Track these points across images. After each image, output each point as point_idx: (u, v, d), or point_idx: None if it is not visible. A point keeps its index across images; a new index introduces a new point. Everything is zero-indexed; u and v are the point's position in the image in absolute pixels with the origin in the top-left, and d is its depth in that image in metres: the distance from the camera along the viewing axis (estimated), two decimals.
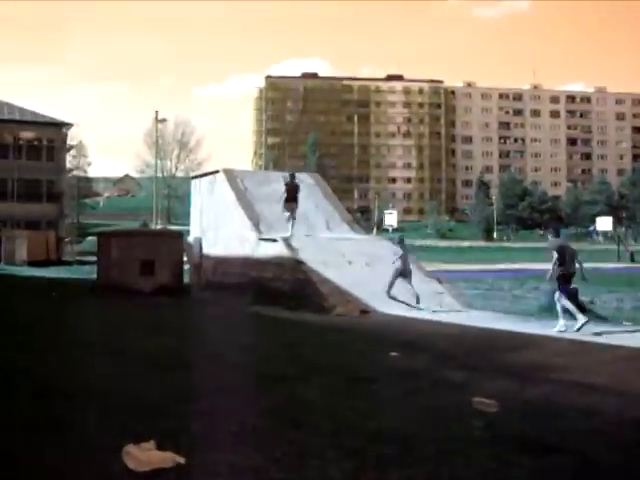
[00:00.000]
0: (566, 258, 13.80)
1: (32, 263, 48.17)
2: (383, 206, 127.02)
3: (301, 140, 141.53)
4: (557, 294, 14.12)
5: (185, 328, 14.49)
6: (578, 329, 13.60)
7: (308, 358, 10.54)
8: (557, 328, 13.89)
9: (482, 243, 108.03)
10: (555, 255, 13.87)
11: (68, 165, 75.59)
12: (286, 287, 20.18)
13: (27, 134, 63.17)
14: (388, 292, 18.62)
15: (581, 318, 13.82)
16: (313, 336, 13.73)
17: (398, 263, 18.72)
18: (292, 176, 22.90)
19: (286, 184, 22.40)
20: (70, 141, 69.99)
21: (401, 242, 19.37)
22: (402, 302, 18.07)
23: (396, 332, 14.46)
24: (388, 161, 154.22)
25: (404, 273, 18.73)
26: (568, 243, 15.05)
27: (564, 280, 13.90)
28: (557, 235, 14.80)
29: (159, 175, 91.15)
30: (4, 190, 61.96)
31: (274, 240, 21.52)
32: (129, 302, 18.76)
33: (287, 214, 22.17)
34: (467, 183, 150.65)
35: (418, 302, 18.41)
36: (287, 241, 20.95)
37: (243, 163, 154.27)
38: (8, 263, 49.91)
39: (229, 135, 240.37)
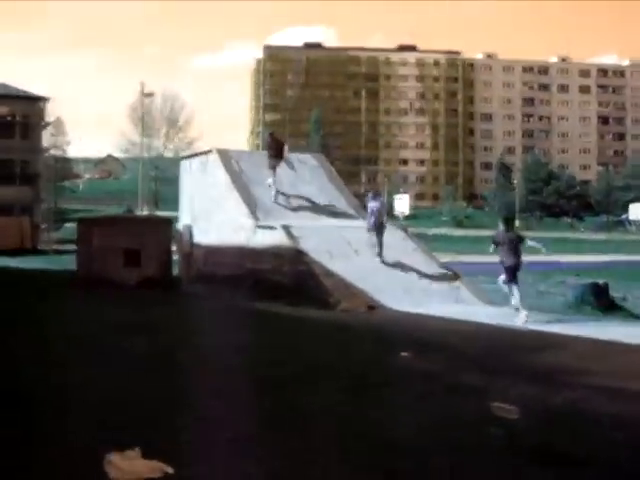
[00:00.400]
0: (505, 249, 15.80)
1: (3, 252, 47.90)
2: (393, 191, 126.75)
3: (303, 117, 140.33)
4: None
5: (173, 326, 14.50)
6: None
7: (310, 359, 10.57)
8: (520, 321, 15.46)
9: None
10: (492, 246, 16.33)
11: (44, 144, 75.22)
12: (286, 280, 20.13)
13: None
14: (380, 254, 20.09)
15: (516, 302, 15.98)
16: (316, 335, 13.73)
17: (373, 218, 20.42)
18: (271, 134, 25.33)
19: (268, 142, 24.78)
20: (47, 117, 69.67)
21: (375, 197, 21.36)
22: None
23: (407, 330, 14.48)
24: (399, 141, 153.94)
25: (380, 227, 20.42)
26: (516, 234, 16.85)
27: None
28: (507, 225, 16.89)
29: (145, 155, 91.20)
30: None
31: (272, 227, 21.45)
32: (112, 296, 18.74)
33: (271, 171, 23.81)
34: (486, 166, 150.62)
35: (380, 255, 20.04)
36: (287, 229, 20.87)
37: (239, 143, 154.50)
38: None
39: (223, 112, 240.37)
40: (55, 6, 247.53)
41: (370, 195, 21.85)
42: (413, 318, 16.37)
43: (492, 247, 16.29)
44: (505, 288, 16.07)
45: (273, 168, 23.79)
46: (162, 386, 8.43)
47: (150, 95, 59.94)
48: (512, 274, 15.84)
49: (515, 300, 15.86)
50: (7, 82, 65.64)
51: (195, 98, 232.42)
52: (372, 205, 20.83)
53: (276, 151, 24.08)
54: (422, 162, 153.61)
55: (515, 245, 15.77)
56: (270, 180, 23.74)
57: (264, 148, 34.24)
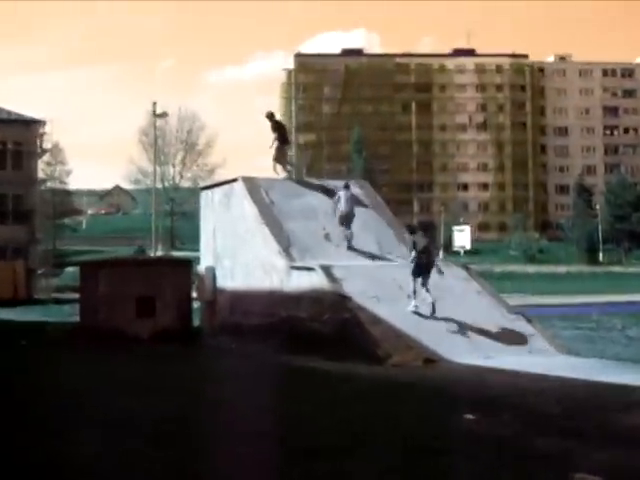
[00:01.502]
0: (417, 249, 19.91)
1: None
2: (452, 221, 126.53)
3: (342, 137, 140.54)
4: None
5: (195, 388, 14.52)
6: (412, 310, 19.66)
7: (356, 424, 10.52)
8: (410, 308, 19.53)
9: (584, 268, 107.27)
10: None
11: (41, 175, 75.88)
12: (326, 329, 20.07)
13: None
14: (349, 244, 23.13)
15: (412, 303, 19.72)
16: (362, 394, 13.65)
17: (342, 208, 23.24)
18: (271, 115, 26.08)
19: (273, 125, 25.79)
20: (44, 144, 70.12)
21: (347, 187, 23.91)
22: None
23: (472, 387, 14.48)
24: (457, 162, 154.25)
25: (348, 218, 23.25)
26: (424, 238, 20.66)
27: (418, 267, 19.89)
28: (412, 232, 21.68)
29: (159, 186, 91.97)
30: None
31: (310, 269, 21.43)
32: (121, 353, 18.88)
33: (278, 164, 25.64)
34: (562, 189, 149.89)
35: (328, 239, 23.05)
36: (328, 270, 20.84)
37: (267, 169, 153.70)
38: None
39: (249, 133, 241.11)
40: (55, 18, 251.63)
41: (341, 186, 24.42)
42: (478, 372, 16.29)
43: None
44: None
45: (283, 158, 25.69)
46: (179, 456, 8.40)
47: (164, 115, 60.39)
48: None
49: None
50: None
51: (216, 118, 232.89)
52: (341, 194, 23.68)
53: (283, 137, 25.57)
54: (485, 186, 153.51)
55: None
56: (281, 174, 25.57)
57: (301, 175, 34.99)
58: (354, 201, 24.02)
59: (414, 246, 20.17)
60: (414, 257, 20.03)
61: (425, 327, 19.07)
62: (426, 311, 19.70)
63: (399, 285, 20.77)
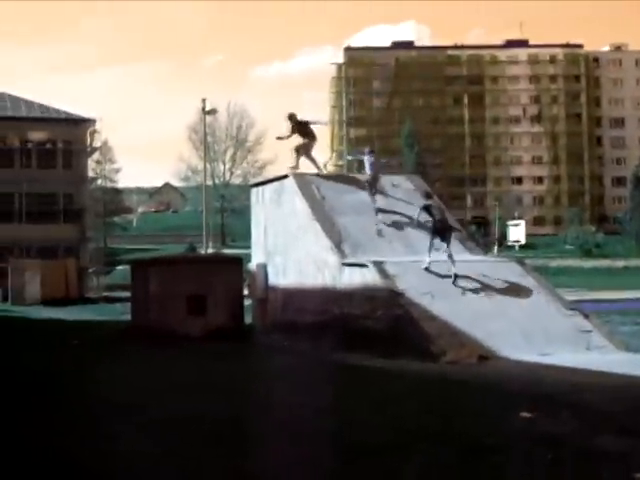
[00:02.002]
0: (433, 213, 21.70)
1: (47, 302, 48.48)
2: (506, 216, 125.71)
3: (393, 131, 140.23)
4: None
5: (248, 387, 14.61)
6: (425, 267, 20.96)
7: (410, 422, 10.53)
8: (423, 265, 20.94)
9: None
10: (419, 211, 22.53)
11: (90, 173, 76.22)
12: (380, 327, 20.11)
13: (37, 134, 63.66)
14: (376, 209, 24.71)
15: (426, 259, 21.09)
16: (416, 392, 13.68)
17: (367, 171, 25.26)
18: (292, 116, 26.36)
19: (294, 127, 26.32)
20: (93, 142, 70.49)
21: (371, 152, 25.97)
22: None
23: (528, 384, 14.38)
24: (511, 156, 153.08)
25: (374, 180, 24.96)
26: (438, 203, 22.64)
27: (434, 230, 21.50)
28: (428, 197, 22.99)
29: (209, 183, 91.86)
30: (9, 208, 62.50)
31: (363, 265, 21.42)
32: (173, 351, 18.93)
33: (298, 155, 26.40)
34: (619, 181, 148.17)
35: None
36: (380, 266, 20.85)
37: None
38: (16, 303, 50.04)
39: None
40: (103, 16, 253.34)
41: (366, 150, 26.52)
42: (534, 370, 16.20)
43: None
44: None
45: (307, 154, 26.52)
46: (236, 457, 8.45)
47: (213, 112, 60.39)
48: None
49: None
50: (47, 102, 66.16)
51: (265, 115, 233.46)
52: (365, 159, 25.67)
53: (307, 133, 26.29)
54: (540, 180, 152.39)
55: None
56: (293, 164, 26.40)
57: (352, 170, 35.37)
58: (378, 166, 26.06)
59: (428, 210, 22.07)
60: (419, 214, 22.66)
61: (480, 323, 19.01)
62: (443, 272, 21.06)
63: (452, 280, 20.83)
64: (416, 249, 22.85)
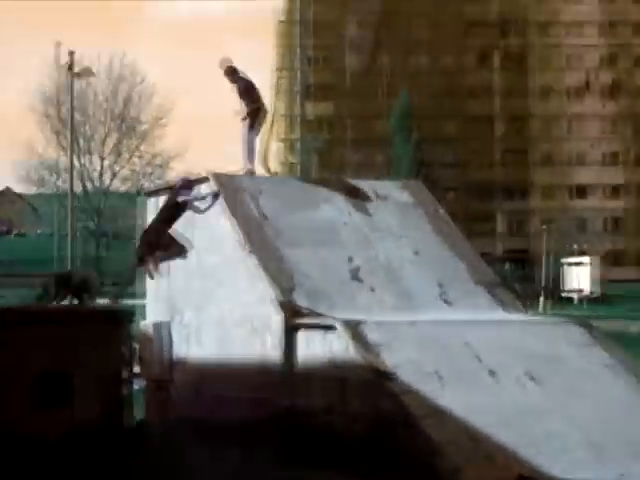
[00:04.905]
0: None
1: None
2: (561, 249, 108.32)
3: (378, 109, 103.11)
4: None
5: None
6: None
7: None
8: None
9: None
10: None
11: None
12: (356, 429, 16.05)
13: None
14: None
15: None
16: None
17: None
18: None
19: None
20: None
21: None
22: None
23: None
24: (569, 150, 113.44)
25: None
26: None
27: None
28: None
29: (77, 189, 70.75)
30: None
31: (328, 327, 17.10)
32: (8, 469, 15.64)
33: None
34: None
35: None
36: (356, 329, 16.51)
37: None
38: None
39: (222, 102, 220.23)
40: None
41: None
42: None
43: None
44: None
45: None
46: None
47: (86, 74, 40.17)
48: None
49: None
50: None
51: (170, 77, 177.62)
52: None
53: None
54: (615, 191, 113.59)
55: None
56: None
57: (310, 170, 28.23)
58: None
59: None
60: None
61: (519, 425, 15.03)
62: None
63: (475, 353, 16.59)
64: (416, 301, 18.90)
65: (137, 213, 24.16)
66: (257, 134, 19.90)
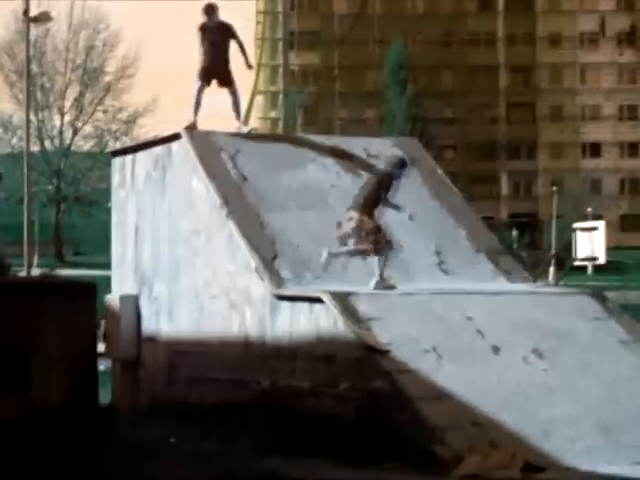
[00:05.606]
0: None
1: None
2: (571, 213, 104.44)
3: (370, 59, 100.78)
4: None
5: None
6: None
7: None
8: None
9: None
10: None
11: None
12: (345, 411, 15.42)
13: None
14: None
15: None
16: None
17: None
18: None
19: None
20: None
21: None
22: None
23: None
24: (581, 105, 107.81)
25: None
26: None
27: None
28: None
29: (35, 149, 68.61)
30: None
31: (315, 300, 16.40)
32: None
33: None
34: None
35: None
36: (345, 301, 15.79)
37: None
38: None
39: (194, 51, 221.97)
40: None
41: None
42: None
43: None
44: None
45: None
46: None
47: (44, 19, 39.64)
48: None
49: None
50: None
51: (135, 23, 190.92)
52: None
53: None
54: (633, 149, 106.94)
55: None
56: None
57: (294, 127, 27.87)
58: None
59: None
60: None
61: (526, 406, 14.43)
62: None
63: (477, 328, 15.84)
64: (412, 271, 18.25)
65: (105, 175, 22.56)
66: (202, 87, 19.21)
